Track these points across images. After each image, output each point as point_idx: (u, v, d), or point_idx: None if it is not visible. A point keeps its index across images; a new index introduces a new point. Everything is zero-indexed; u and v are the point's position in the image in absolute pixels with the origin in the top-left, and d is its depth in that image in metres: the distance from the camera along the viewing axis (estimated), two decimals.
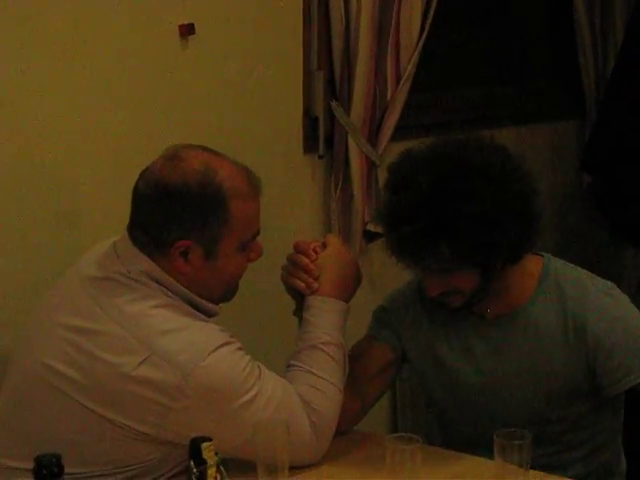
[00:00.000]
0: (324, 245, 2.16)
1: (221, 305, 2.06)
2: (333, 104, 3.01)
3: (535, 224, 2.05)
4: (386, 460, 1.82)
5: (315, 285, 2.10)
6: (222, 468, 1.61)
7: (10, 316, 2.31)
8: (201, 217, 1.93)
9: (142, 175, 1.98)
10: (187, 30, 2.61)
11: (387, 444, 1.83)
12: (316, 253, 2.14)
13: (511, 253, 2.03)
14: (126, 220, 2.02)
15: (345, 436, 2.09)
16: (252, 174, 2.01)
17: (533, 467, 1.88)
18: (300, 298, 2.13)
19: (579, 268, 2.19)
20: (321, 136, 3.00)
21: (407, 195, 1.98)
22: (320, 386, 2.02)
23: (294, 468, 1.95)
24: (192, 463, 1.58)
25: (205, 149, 2.00)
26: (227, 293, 2.04)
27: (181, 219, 1.93)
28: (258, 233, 2.03)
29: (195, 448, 1.58)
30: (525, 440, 1.79)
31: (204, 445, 1.58)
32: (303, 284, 2.11)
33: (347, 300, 2.13)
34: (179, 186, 1.92)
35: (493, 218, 1.97)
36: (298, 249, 2.15)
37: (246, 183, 1.98)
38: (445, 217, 1.95)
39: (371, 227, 3.10)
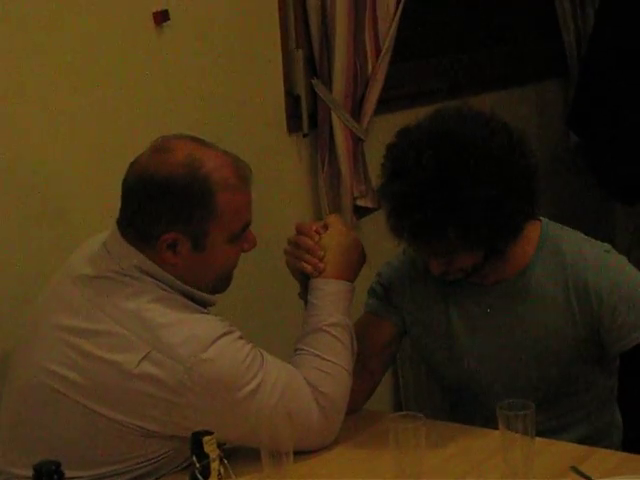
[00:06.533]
0: (325, 226, 2.14)
1: (219, 295, 2.03)
2: (314, 81, 2.99)
3: (537, 198, 2.03)
4: (390, 439, 1.81)
5: (321, 266, 2.08)
6: (225, 461, 1.60)
7: None
8: (187, 210, 1.90)
9: (130, 167, 1.96)
10: (161, 17, 2.58)
11: (390, 423, 1.82)
12: (318, 234, 2.12)
13: (516, 230, 2.03)
14: (112, 214, 2.00)
15: (349, 415, 2.07)
16: (241, 164, 1.97)
17: (543, 430, 1.87)
18: (305, 280, 2.11)
19: (576, 231, 2.19)
20: (304, 114, 2.99)
21: (411, 180, 1.93)
22: (327, 369, 2.00)
23: (307, 452, 1.96)
24: (194, 458, 1.56)
25: (193, 139, 1.96)
26: (219, 284, 2.02)
27: (167, 213, 1.90)
28: (249, 224, 1.99)
29: (196, 442, 1.57)
30: (528, 410, 1.78)
31: (205, 439, 1.57)
32: (309, 266, 2.09)
33: (352, 280, 2.11)
34: (164, 180, 1.89)
35: (500, 200, 1.94)
36: (300, 231, 2.12)
37: (234, 174, 1.94)
38: (453, 204, 1.91)
39: (361, 202, 3.09)
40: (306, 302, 2.11)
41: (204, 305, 1.98)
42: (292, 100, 2.98)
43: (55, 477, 1.39)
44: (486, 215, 1.94)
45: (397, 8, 3.07)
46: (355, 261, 2.13)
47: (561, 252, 2.12)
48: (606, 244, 2.16)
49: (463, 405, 2.23)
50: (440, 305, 2.19)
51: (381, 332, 2.25)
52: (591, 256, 2.11)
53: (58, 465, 1.40)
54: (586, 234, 2.19)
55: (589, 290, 2.08)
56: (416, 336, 2.26)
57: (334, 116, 2.99)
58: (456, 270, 2.07)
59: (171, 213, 1.90)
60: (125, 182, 1.95)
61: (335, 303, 2.06)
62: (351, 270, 2.11)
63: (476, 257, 2.04)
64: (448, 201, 1.92)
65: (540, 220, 2.16)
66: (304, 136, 3.02)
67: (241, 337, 1.94)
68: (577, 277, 2.09)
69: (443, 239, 1.96)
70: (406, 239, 2.02)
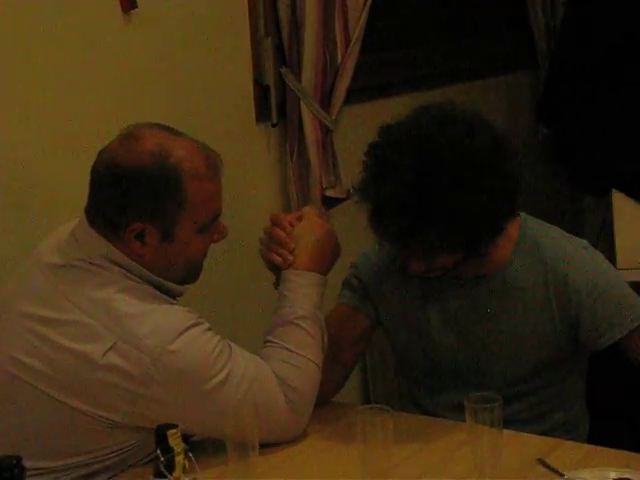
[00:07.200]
0: (300, 218, 2.12)
1: (187, 285, 2.02)
2: (283, 70, 2.97)
3: (520, 198, 2.01)
4: (357, 431, 1.80)
5: (290, 258, 2.06)
6: (190, 454, 1.58)
7: None
8: (155, 200, 1.88)
9: (99, 156, 1.93)
10: (128, 4, 2.55)
11: (357, 416, 1.80)
12: (292, 226, 2.10)
13: (497, 230, 2.01)
14: (81, 203, 1.98)
15: (318, 407, 2.05)
16: (212, 153, 1.95)
17: (515, 421, 1.88)
18: (279, 271, 2.09)
19: (554, 226, 2.18)
20: (273, 104, 2.96)
21: (392, 184, 1.91)
22: (296, 362, 1.99)
23: (275, 445, 1.95)
24: (159, 452, 1.55)
25: (163, 128, 1.93)
26: (189, 274, 2.00)
27: (135, 202, 1.88)
28: (219, 214, 1.97)
29: (161, 436, 1.55)
30: (496, 402, 1.78)
31: (170, 432, 1.55)
32: (279, 258, 2.07)
33: (324, 272, 2.09)
34: (132, 169, 1.87)
35: (483, 203, 1.92)
36: (274, 222, 2.10)
37: (203, 163, 1.91)
38: (435, 209, 1.90)
39: (330, 193, 3.08)
40: None
41: (172, 296, 1.96)
42: (261, 89, 2.96)
43: (15, 471, 1.37)
44: (469, 219, 1.92)
45: None
46: (328, 253, 2.10)
47: (540, 247, 2.11)
48: (584, 240, 2.16)
49: (438, 401, 2.22)
50: (418, 299, 2.18)
51: (355, 324, 2.24)
52: (570, 252, 2.11)
53: (19, 459, 1.38)
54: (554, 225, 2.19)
55: (568, 286, 2.08)
56: (391, 329, 2.25)
57: (303, 106, 2.97)
58: (436, 269, 2.06)
59: (139, 203, 1.88)
60: (93, 170, 1.93)
61: (307, 295, 2.04)
62: (324, 262, 2.09)
63: (457, 257, 2.03)
64: (430, 206, 1.90)
65: (519, 215, 2.15)
66: (273, 126, 3.00)
67: (209, 329, 1.92)
68: (556, 272, 2.09)
69: (425, 243, 1.95)
70: (388, 241, 2.01)
